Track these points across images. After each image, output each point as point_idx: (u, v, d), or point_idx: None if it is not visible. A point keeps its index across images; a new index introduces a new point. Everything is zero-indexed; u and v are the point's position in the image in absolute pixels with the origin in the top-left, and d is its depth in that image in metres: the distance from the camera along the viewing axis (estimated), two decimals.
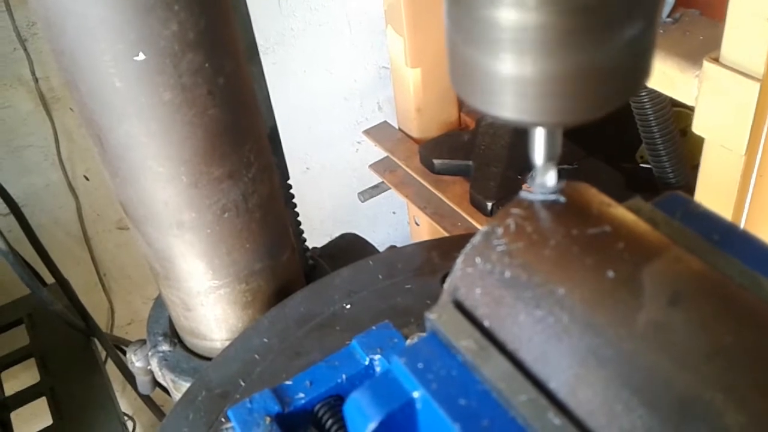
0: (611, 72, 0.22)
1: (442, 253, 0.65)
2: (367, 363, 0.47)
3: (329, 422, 0.45)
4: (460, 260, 0.28)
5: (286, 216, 0.65)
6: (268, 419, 0.44)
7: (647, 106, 1.31)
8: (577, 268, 0.24)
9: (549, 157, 0.27)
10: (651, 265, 0.24)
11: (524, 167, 1.43)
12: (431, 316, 0.28)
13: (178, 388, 0.65)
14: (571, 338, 0.23)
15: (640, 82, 0.24)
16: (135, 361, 0.74)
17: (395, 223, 2.07)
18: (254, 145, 0.56)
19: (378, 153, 1.68)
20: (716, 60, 0.87)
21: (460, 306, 0.27)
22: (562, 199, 0.27)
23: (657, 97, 1.31)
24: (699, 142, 0.98)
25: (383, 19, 1.50)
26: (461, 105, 1.67)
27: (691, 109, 0.95)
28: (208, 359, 0.66)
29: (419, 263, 0.64)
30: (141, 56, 0.46)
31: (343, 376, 0.47)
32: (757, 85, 0.83)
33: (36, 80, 1.31)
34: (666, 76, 0.97)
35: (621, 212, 0.27)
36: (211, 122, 0.51)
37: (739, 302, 0.23)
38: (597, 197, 0.28)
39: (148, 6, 0.44)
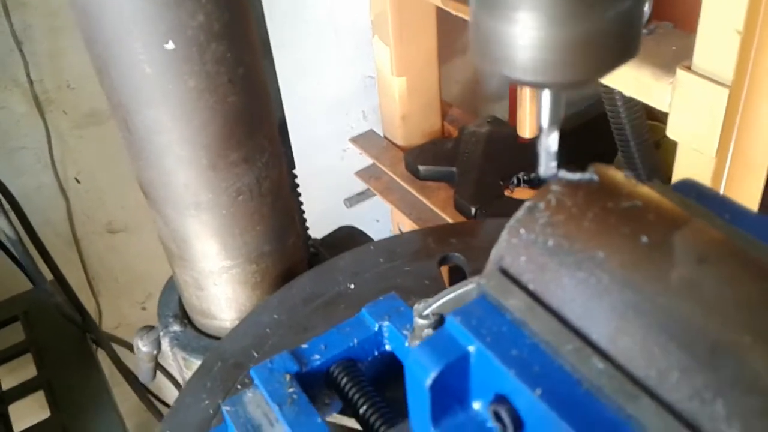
0: (606, 39, 0.27)
1: (437, 239, 0.70)
2: (376, 329, 0.51)
3: (343, 381, 0.49)
4: (505, 232, 0.32)
5: (293, 202, 0.69)
6: (287, 377, 0.48)
7: (623, 116, 1.38)
8: (614, 236, 0.28)
9: (553, 120, 0.31)
10: (679, 232, 0.28)
11: (505, 173, 1.49)
12: (481, 281, 0.31)
13: (189, 366, 0.69)
14: (611, 295, 0.27)
15: (630, 52, 0.29)
16: (142, 346, 0.77)
17: (378, 230, 2.12)
18: (267, 132, 0.61)
19: (364, 160, 1.73)
20: (688, 68, 0.93)
21: (505, 273, 0.31)
22: (595, 178, 0.31)
23: (632, 107, 1.38)
24: (672, 154, 1.04)
25: (369, 29, 1.55)
26: (444, 113, 1.72)
27: (665, 116, 1.01)
28: (218, 338, 0.69)
29: (417, 248, 0.68)
30: (170, 45, 0.50)
31: (355, 341, 0.51)
32: (726, 92, 0.89)
33: (31, 82, 1.33)
34: (641, 84, 1.03)
35: (647, 190, 0.31)
36: (231, 109, 0.55)
37: (758, 262, 0.27)
38: (624, 178, 0.32)
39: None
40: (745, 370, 0.24)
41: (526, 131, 1.45)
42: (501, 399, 0.28)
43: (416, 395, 0.30)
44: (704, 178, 1.00)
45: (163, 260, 1.81)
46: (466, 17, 1.27)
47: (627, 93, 1.11)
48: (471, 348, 0.29)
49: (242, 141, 0.58)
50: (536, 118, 0.32)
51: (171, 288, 0.76)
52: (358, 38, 1.71)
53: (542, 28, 0.27)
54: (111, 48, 0.51)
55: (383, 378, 0.52)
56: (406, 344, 0.50)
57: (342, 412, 0.52)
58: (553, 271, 0.29)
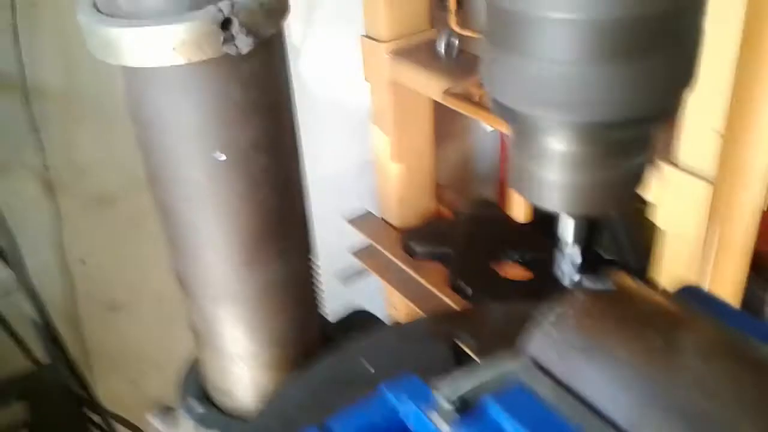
0: (620, 185, 0.34)
1: (446, 324, 0.75)
2: (397, 407, 0.56)
3: None
4: (537, 331, 0.37)
5: (314, 290, 0.74)
6: None
7: None
8: (632, 337, 0.34)
9: (576, 240, 0.37)
10: (686, 334, 0.34)
11: (498, 255, 1.55)
12: (515, 369, 0.37)
13: None
14: (633, 388, 0.33)
15: (636, 192, 0.36)
16: (158, 425, 0.81)
17: (372, 310, 2.15)
18: (298, 229, 0.66)
19: (359, 240, 1.79)
20: (673, 163, 1.01)
21: (537, 364, 0.37)
22: (613, 287, 0.38)
23: None
24: (652, 232, 1.11)
25: (366, 116, 1.64)
26: (439, 196, 1.80)
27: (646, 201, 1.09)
28: (241, 419, 0.73)
29: (429, 331, 0.73)
30: (222, 157, 0.56)
31: (378, 417, 0.55)
32: (710, 186, 0.97)
33: (46, 168, 1.39)
34: None
35: (657, 297, 0.37)
36: (269, 211, 0.61)
37: (751, 357, 0.33)
38: (635, 286, 0.38)
39: (233, 118, 0.55)
40: None
41: (518, 214, 1.53)
42: None
43: None
44: (691, 264, 1.06)
45: (157, 339, 1.83)
46: (463, 112, 1.36)
47: None
48: (510, 429, 0.34)
49: (276, 239, 0.63)
50: (559, 234, 0.38)
51: (192, 371, 0.80)
52: (354, 123, 1.79)
53: (570, 175, 0.33)
54: (166, 157, 0.57)
55: None
56: (428, 422, 0.54)
57: None
58: (581, 366, 0.34)
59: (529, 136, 0.34)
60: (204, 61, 0.51)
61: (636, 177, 0.34)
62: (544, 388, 0.35)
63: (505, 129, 1.37)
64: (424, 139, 1.64)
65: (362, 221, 1.83)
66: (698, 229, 1.01)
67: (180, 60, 0.49)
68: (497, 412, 0.35)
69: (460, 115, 1.97)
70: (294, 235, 0.67)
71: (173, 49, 0.48)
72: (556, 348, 0.35)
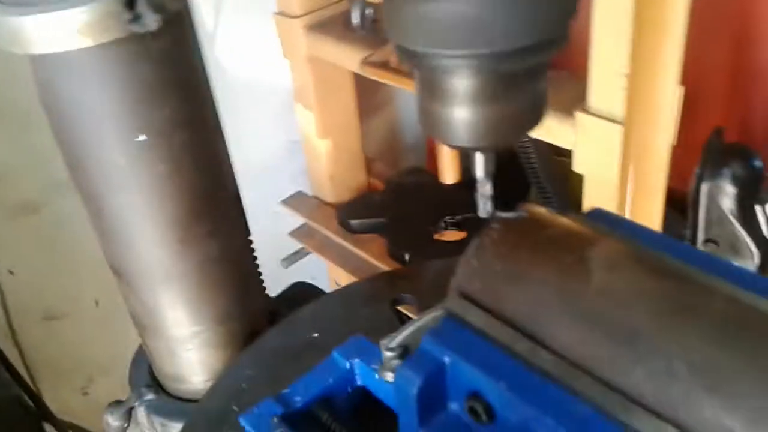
0: (521, 115, 0.36)
1: (386, 284, 0.77)
2: (348, 367, 0.58)
3: (324, 417, 0.55)
4: (460, 265, 0.40)
5: (252, 265, 0.75)
6: (275, 419, 0.53)
7: (532, 156, 1.51)
8: (545, 258, 0.37)
9: (487, 173, 0.40)
10: (593, 248, 0.37)
11: (432, 218, 1.59)
12: (446, 305, 0.39)
13: (167, 430, 0.72)
14: (549, 304, 0.35)
15: (538, 120, 0.38)
16: (112, 421, 0.80)
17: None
18: (227, 205, 0.67)
19: (295, 221, 1.79)
20: (585, 110, 1.06)
21: (465, 296, 0.39)
22: (525, 214, 0.40)
23: (541, 148, 1.51)
24: (580, 185, 1.16)
25: (289, 96, 1.63)
26: (369, 168, 1.82)
27: (570, 152, 1.13)
28: (193, 401, 0.73)
29: (369, 293, 0.76)
30: (142, 137, 0.56)
31: (330, 380, 0.57)
32: (620, 128, 1.02)
33: None
34: (547, 128, 1.15)
35: (566, 220, 0.40)
36: (196, 188, 0.62)
37: (652, 265, 0.36)
38: (546, 212, 0.41)
39: (148, 97, 0.55)
40: (652, 344, 0.32)
41: (447, 177, 1.56)
42: (474, 395, 0.35)
43: (404, 404, 0.37)
44: (610, 205, 1.12)
45: (100, 343, 1.80)
46: (382, 81, 1.38)
47: (535, 135, 1.23)
48: (446, 359, 0.36)
49: (207, 214, 0.64)
50: (473, 172, 0.40)
51: (139, 360, 0.80)
52: (278, 105, 1.79)
53: (473, 110, 0.35)
54: (85, 144, 0.57)
55: (358, 411, 0.58)
56: (377, 377, 0.56)
57: None
58: (503, 290, 0.37)
59: (433, 77, 0.36)
60: (112, 42, 0.51)
61: (535, 107, 0.37)
62: (472, 317, 0.37)
63: None
64: (348, 112, 1.65)
65: (295, 201, 1.83)
66: (614, 170, 1.06)
67: (87, 42, 0.49)
68: (432, 347, 0.37)
69: (383, 86, 1.99)
70: (226, 212, 0.67)
71: (78, 31, 0.48)
72: (479, 277, 0.38)
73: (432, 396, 0.37)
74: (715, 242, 1.36)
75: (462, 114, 0.35)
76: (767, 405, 0.29)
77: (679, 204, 1.43)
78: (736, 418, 0.29)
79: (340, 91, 1.60)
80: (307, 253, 1.80)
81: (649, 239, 0.40)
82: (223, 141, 0.68)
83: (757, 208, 1.26)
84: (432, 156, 1.91)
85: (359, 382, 0.58)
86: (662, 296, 0.33)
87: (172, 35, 0.55)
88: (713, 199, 1.26)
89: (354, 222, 1.66)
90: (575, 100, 1.10)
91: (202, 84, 0.61)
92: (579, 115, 1.05)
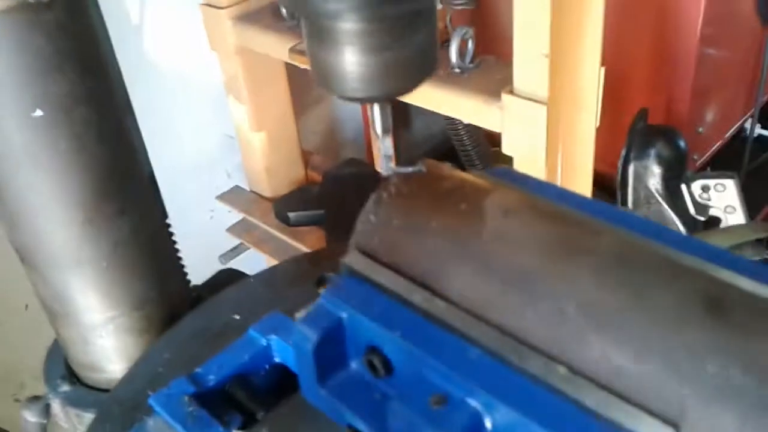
0: (412, 61, 0.36)
1: (311, 264, 0.76)
2: (264, 344, 0.56)
3: (240, 396, 0.53)
4: (358, 222, 0.39)
5: (171, 249, 0.73)
6: (186, 398, 0.52)
7: (467, 143, 1.52)
8: (441, 208, 0.36)
9: (384, 129, 0.39)
10: (488, 198, 0.37)
11: None
12: (345, 260, 0.38)
13: (83, 421, 0.70)
14: (443, 252, 0.35)
15: (431, 68, 0.38)
16: (29, 417, 0.77)
17: None
18: (139, 184, 0.65)
19: (233, 216, 1.76)
20: (511, 92, 1.06)
21: (364, 252, 0.38)
22: (423, 169, 0.40)
23: (474, 134, 1.52)
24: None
25: (222, 90, 1.60)
26: (306, 162, 1.80)
27: (500, 137, 1.14)
28: (109, 390, 0.71)
29: (294, 274, 0.74)
30: (38, 112, 0.54)
31: (246, 357, 0.55)
32: (544, 108, 1.03)
33: None
34: (476, 111, 1.15)
35: (465, 174, 0.40)
36: (101, 165, 0.59)
37: (546, 212, 0.36)
38: (446, 167, 0.40)
39: (43, 69, 0.52)
40: (542, 286, 0.32)
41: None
42: (372, 350, 0.35)
43: (303, 361, 0.36)
44: None
45: (34, 349, 1.74)
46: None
47: (465, 120, 1.24)
48: (343, 314, 0.36)
49: (115, 194, 0.61)
50: (371, 128, 0.40)
51: (53, 353, 0.77)
52: (211, 100, 1.76)
53: (362, 57, 0.34)
54: None
55: (277, 389, 0.57)
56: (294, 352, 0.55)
57: (243, 427, 0.56)
58: (400, 242, 0.36)
59: (320, 26, 0.35)
60: (2, 11, 0.49)
61: (426, 54, 0.36)
62: (371, 272, 0.37)
63: None
64: (283, 105, 1.63)
65: (232, 196, 1.80)
66: (541, 151, 1.07)
67: None
68: (329, 303, 0.36)
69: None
70: (138, 192, 0.65)
71: None
72: (377, 232, 0.37)
73: (330, 353, 0.36)
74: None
75: (351, 62, 0.34)
76: (652, 339, 0.29)
77: (608, 188, 1.46)
78: (624, 354, 0.29)
79: (272, 84, 1.57)
80: (246, 249, 1.78)
81: (552, 194, 0.40)
82: (134, 119, 0.66)
83: (683, 188, 1.29)
84: (370, 148, 1.90)
85: (277, 359, 0.57)
86: (554, 240, 0.33)
87: (67, 6, 0.53)
88: (640, 180, 1.29)
89: (292, 215, 1.64)
90: (502, 83, 1.11)
91: (105, 58, 0.59)
92: (505, 97, 1.06)
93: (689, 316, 0.29)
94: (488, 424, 0.30)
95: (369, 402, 0.35)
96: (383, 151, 0.40)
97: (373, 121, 0.39)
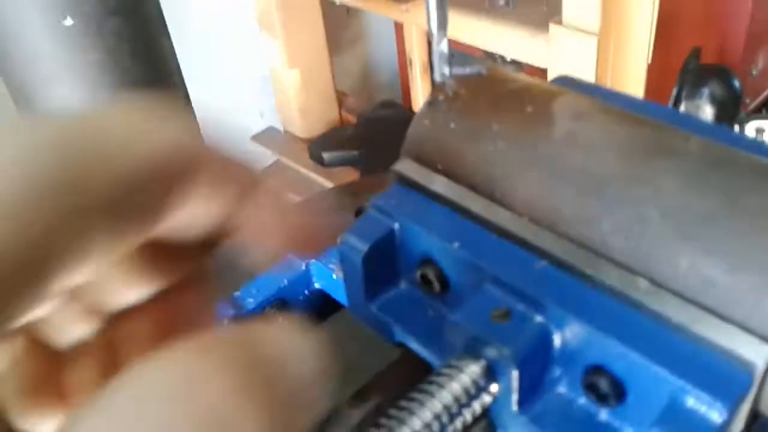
0: None
1: (349, 195, 0.73)
2: (304, 268, 0.54)
3: (279, 319, 0.52)
4: (411, 127, 0.36)
5: None
6: (225, 321, 0.50)
7: None
8: (504, 111, 0.33)
9: (441, 25, 0.35)
10: (557, 101, 0.33)
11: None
12: (395, 167, 0.35)
13: None
14: (506, 158, 0.32)
15: None
16: None
17: None
18: (178, 103, 0.62)
19: (268, 157, 1.74)
20: (560, 23, 1.01)
21: (417, 159, 0.35)
22: (484, 71, 0.36)
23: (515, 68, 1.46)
24: None
25: (254, 31, 1.57)
26: (341, 103, 1.76)
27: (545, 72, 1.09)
28: None
29: (335, 203, 0.72)
30: (69, 21, 0.51)
31: (285, 281, 0.54)
32: (595, 40, 0.97)
33: None
34: (520, 45, 1.10)
35: (530, 78, 0.36)
36: (135, 81, 0.57)
37: (622, 115, 0.32)
38: (508, 71, 0.37)
39: None
40: (620, 191, 0.29)
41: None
42: (426, 262, 0.32)
43: (351, 275, 0.33)
44: None
45: None
46: (350, 4, 1.31)
47: (509, 55, 1.19)
48: (395, 224, 0.33)
49: None
50: (427, 27, 0.36)
51: None
52: (243, 42, 1.72)
53: None
54: (8, 31, 0.51)
55: (317, 316, 0.55)
56: (334, 277, 0.53)
57: None
58: (458, 147, 0.33)
59: None
60: None
61: None
62: (424, 179, 0.34)
63: (398, 19, 1.34)
64: (317, 41, 1.59)
65: (265, 137, 1.78)
66: None
67: None
68: (379, 213, 0.33)
69: (354, 21, 1.92)
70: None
71: None
72: (431, 136, 0.34)
73: (380, 267, 0.33)
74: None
75: None
76: (748, 249, 0.26)
77: None
78: (715, 264, 0.26)
79: (307, 19, 1.53)
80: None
81: (625, 103, 0.37)
82: (170, 43, 0.63)
83: (736, 129, 1.23)
84: (407, 91, 1.86)
85: (316, 284, 0.55)
86: (632, 142, 0.30)
87: None
88: None
89: (326, 155, 1.62)
90: (549, 14, 1.06)
91: None
92: (553, 28, 1.01)
93: None
94: (557, 340, 0.28)
95: (423, 318, 0.32)
96: (438, 51, 0.37)
97: (429, 18, 0.36)
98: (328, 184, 1.60)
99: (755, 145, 0.33)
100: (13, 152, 0.19)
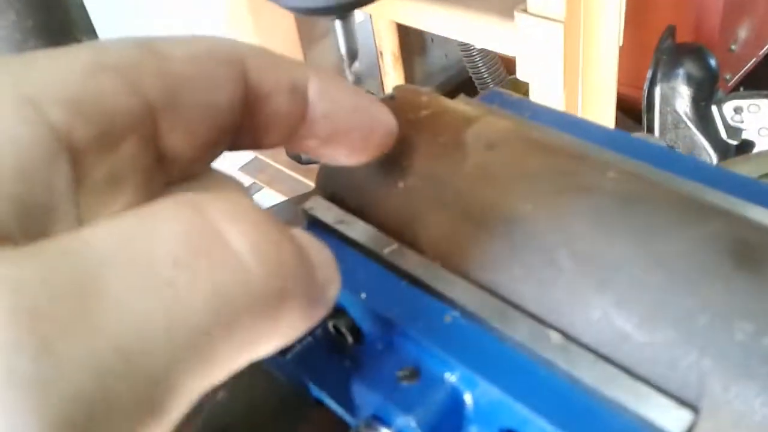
0: None
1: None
2: None
3: None
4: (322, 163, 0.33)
5: None
6: None
7: (483, 70, 1.43)
8: (414, 142, 0.31)
9: (350, 47, 0.33)
10: (470, 129, 0.31)
11: None
12: (305, 206, 0.33)
13: None
14: (415, 194, 0.29)
15: None
16: None
17: None
18: None
19: (245, 154, 1.72)
20: (525, 10, 0.98)
21: (328, 196, 0.33)
22: (393, 95, 0.34)
23: (490, 60, 1.43)
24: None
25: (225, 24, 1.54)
26: None
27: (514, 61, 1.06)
28: None
29: (289, 213, 0.69)
30: None
31: None
32: (560, 26, 0.95)
33: None
34: (489, 34, 1.07)
35: (445, 101, 0.34)
36: None
37: (539, 142, 0.30)
38: (422, 92, 0.34)
39: None
40: (531, 233, 0.26)
41: None
42: (339, 312, 0.30)
43: None
44: None
45: None
46: None
47: (478, 44, 1.16)
48: None
49: None
50: (341, 51, 0.34)
51: None
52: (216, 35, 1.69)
53: None
54: None
55: None
56: None
57: None
58: (366, 186, 0.31)
59: None
60: None
61: None
62: (332, 217, 0.31)
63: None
64: (289, 36, 1.56)
65: None
66: (558, 76, 0.99)
67: None
68: None
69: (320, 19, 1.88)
70: None
71: None
72: (341, 172, 0.31)
73: None
74: (671, 147, 1.31)
75: None
76: (665, 298, 0.24)
77: (633, 113, 1.38)
78: (627, 317, 0.24)
79: (278, 16, 1.50)
80: (260, 188, 1.74)
81: (551, 120, 0.34)
82: None
83: (713, 110, 1.21)
84: (382, 86, 1.83)
85: None
86: (546, 176, 0.27)
87: None
88: (667, 102, 1.21)
89: (303, 153, 1.59)
90: (515, 2, 1.03)
91: None
92: (518, 16, 0.98)
93: (713, 269, 0.23)
94: (469, 400, 0.26)
95: (338, 373, 0.30)
96: (353, 71, 0.34)
97: (340, 42, 0.34)
98: (306, 181, 1.58)
99: (685, 162, 0.31)
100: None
